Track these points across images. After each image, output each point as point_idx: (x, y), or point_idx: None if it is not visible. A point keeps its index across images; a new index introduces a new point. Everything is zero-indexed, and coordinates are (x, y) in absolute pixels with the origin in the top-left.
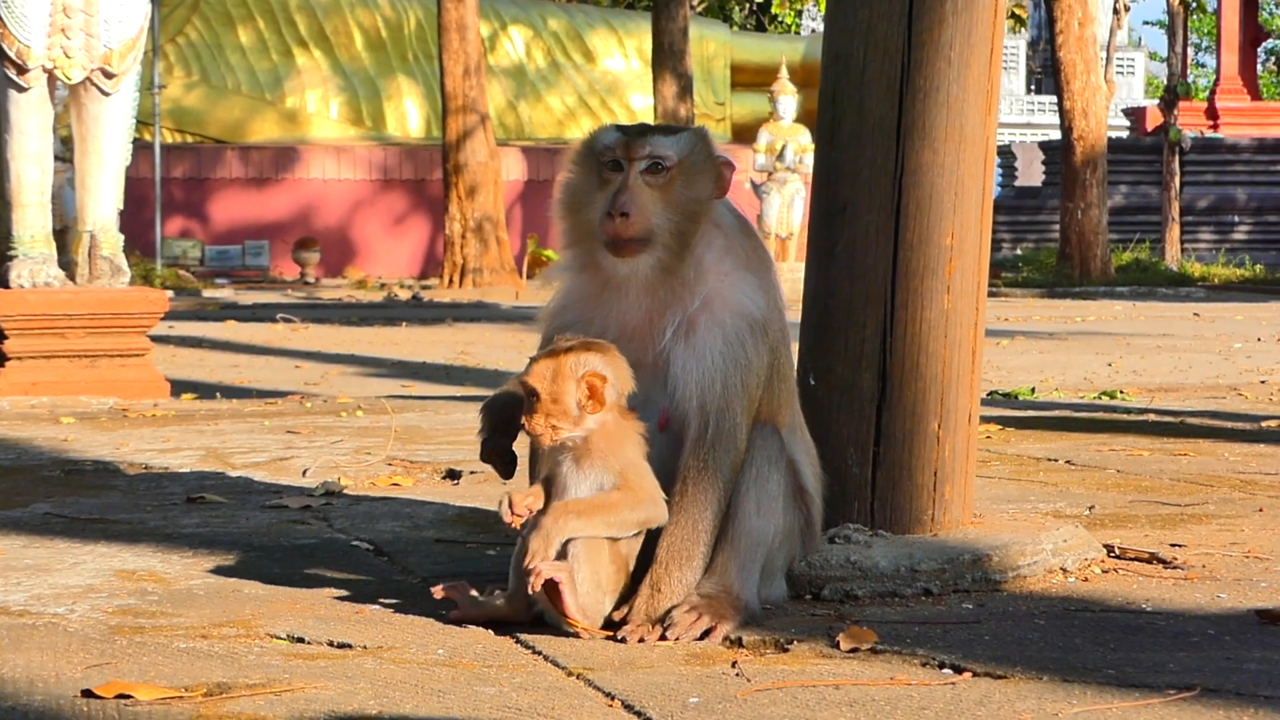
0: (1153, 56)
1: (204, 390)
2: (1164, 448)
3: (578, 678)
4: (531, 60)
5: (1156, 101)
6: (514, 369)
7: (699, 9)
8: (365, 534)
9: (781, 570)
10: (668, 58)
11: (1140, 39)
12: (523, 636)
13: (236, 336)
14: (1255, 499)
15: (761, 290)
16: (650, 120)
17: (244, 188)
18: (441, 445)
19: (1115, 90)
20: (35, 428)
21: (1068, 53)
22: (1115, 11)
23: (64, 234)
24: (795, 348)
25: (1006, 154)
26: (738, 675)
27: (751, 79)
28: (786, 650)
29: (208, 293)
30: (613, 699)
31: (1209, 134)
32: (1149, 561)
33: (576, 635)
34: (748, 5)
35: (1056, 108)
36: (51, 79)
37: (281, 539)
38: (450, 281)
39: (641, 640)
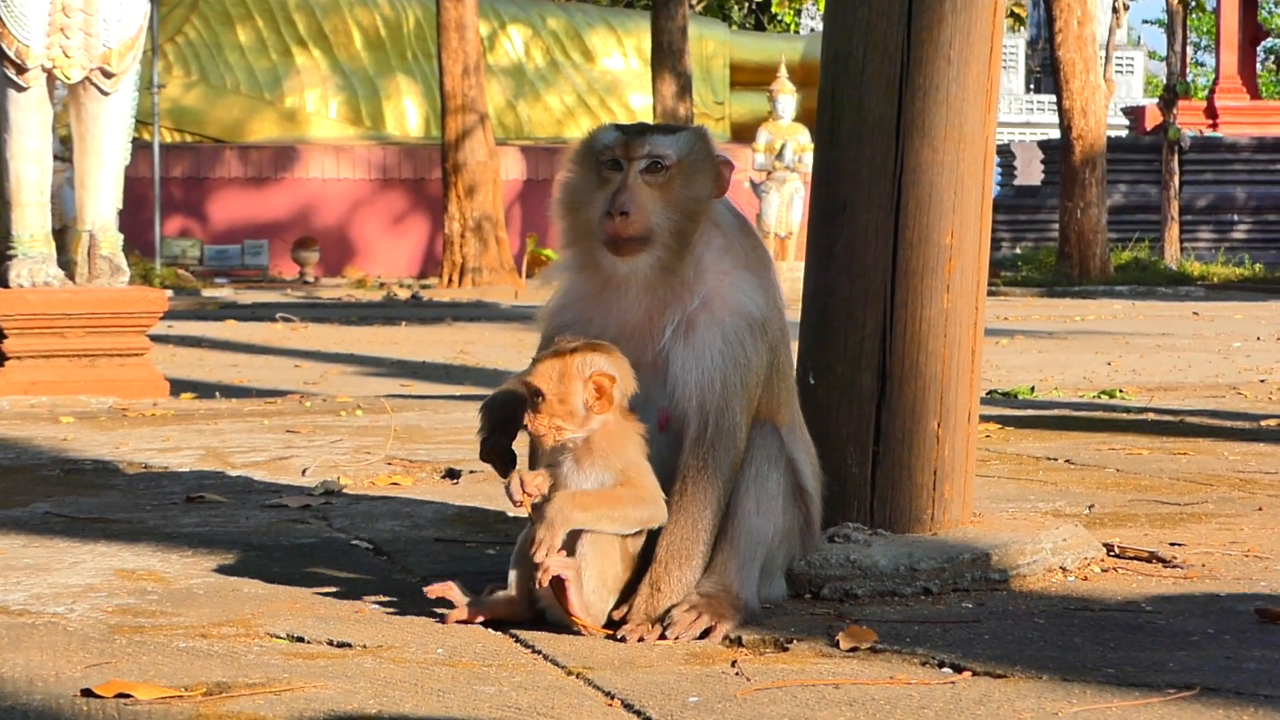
0: (1152, 55)
1: (203, 390)
2: (1163, 447)
3: (577, 677)
4: (530, 59)
5: (1156, 100)
6: (513, 368)
7: (698, 8)
8: (365, 533)
9: (781, 569)
10: (667, 57)
11: (1139, 38)
12: (522, 635)
13: (236, 336)
14: (1255, 498)
15: (761, 289)
16: (649, 119)
17: (243, 187)
18: (441, 444)
19: (1114, 89)
20: (35, 427)
21: (1067, 52)
22: (1114, 10)
23: (63, 233)
24: (795, 347)
25: (1006, 153)
26: (737, 674)
27: (751, 78)
28: (786, 649)
29: (207, 292)
30: (612, 698)
31: (1208, 133)
32: (1148, 560)
33: (578, 632)
34: (747, 4)
35: (1056, 107)
36: (51, 78)
37: (281, 538)
38: (449, 281)
39: (641, 639)
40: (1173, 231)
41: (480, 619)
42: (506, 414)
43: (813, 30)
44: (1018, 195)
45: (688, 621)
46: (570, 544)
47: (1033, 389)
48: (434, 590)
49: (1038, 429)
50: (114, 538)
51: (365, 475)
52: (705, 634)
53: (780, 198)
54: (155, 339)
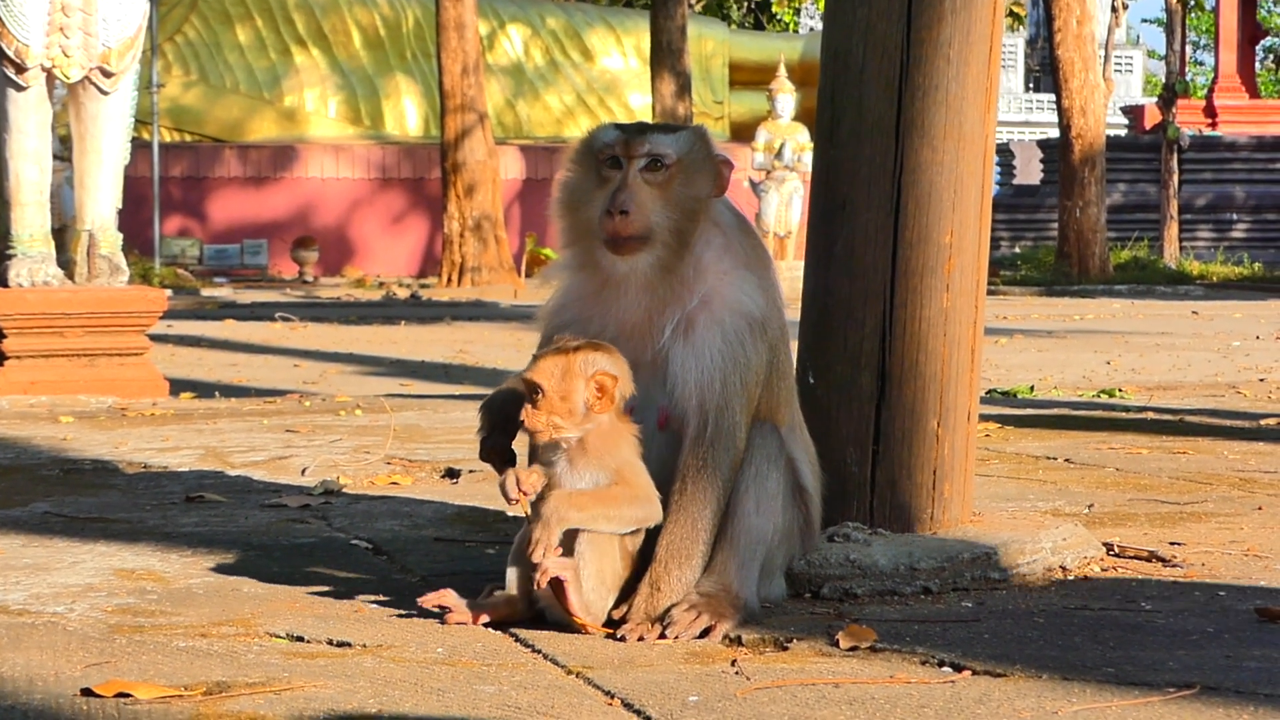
0: (1151, 54)
1: (203, 389)
2: (1163, 446)
3: (577, 676)
4: (530, 59)
5: (1155, 99)
6: (513, 368)
7: (697, 7)
8: (364, 533)
9: (781, 569)
10: (666, 56)
11: (1138, 37)
12: (522, 635)
13: (235, 335)
14: (1254, 497)
15: (761, 289)
16: (649, 119)
17: (242, 186)
18: (440, 444)
19: (1113, 88)
20: (34, 427)
21: (1066, 51)
22: (1113, 9)
23: (63, 233)
24: (794, 346)
25: (1005, 152)
26: (737, 673)
27: (750, 77)
28: (786, 648)
29: (206, 291)
30: (612, 697)
31: (1207, 132)
32: (1148, 560)
33: (578, 632)
34: (746, 4)
35: (1055, 106)
36: (50, 78)
37: (280, 538)
38: (449, 280)
39: (641, 639)
40: (1172, 231)
41: (479, 620)
42: (506, 413)
43: (812, 29)
44: (1017, 194)
45: (687, 621)
46: (568, 543)
47: (1032, 388)
48: (429, 600)
49: (1037, 428)
50: (113, 537)
51: (365, 475)
52: (705, 633)
53: (779, 197)
54: (154, 338)
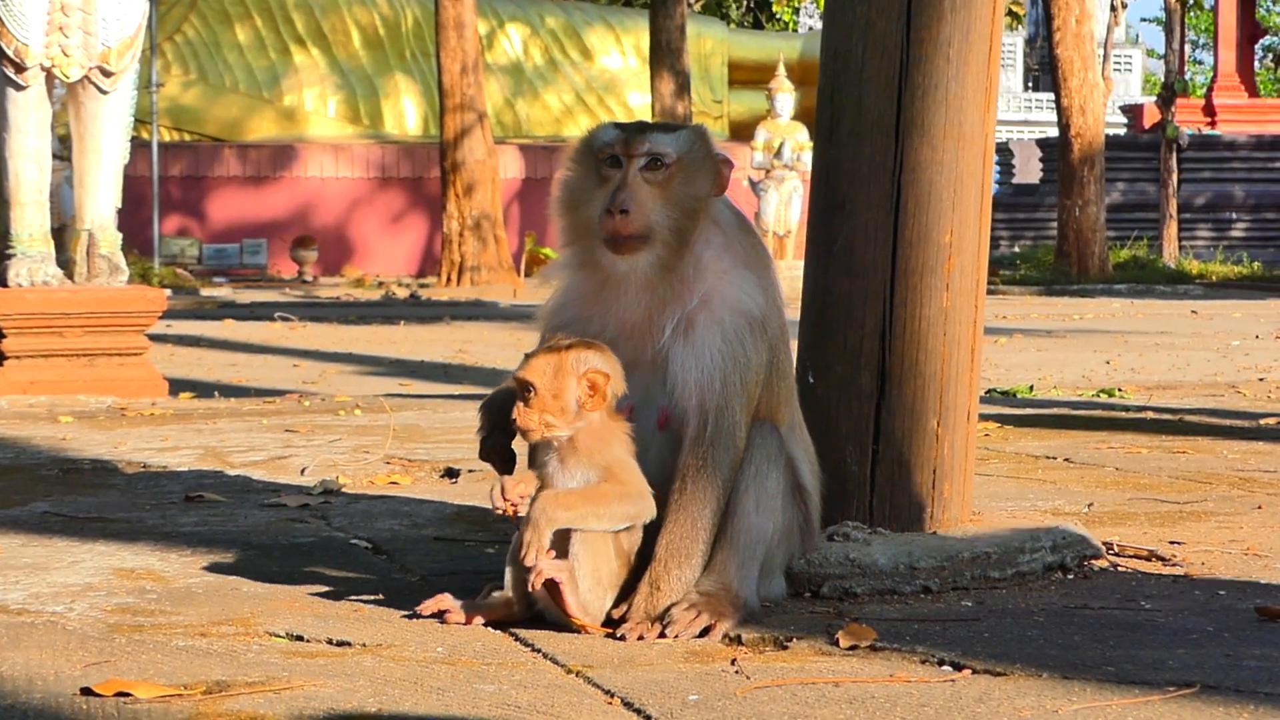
0: (1150, 54)
1: (202, 389)
2: (1162, 445)
3: (577, 675)
4: (529, 58)
5: (1154, 99)
6: (512, 367)
7: (696, 7)
8: (364, 532)
9: (781, 568)
10: (665, 55)
11: (1138, 36)
12: (521, 634)
13: (234, 335)
14: (1254, 496)
15: (760, 288)
16: (648, 118)
17: (242, 186)
18: (440, 444)
19: (1113, 87)
20: (33, 426)
21: (1065, 50)
22: (1112, 8)
23: (62, 232)
24: (794, 345)
25: (1004, 151)
26: (737, 673)
27: (749, 76)
28: (786, 648)
29: (205, 291)
30: (612, 696)
31: (1206, 131)
32: (1148, 559)
33: (577, 632)
34: (745, 3)
35: (1054, 105)
36: (50, 77)
37: (280, 537)
38: (448, 280)
39: (641, 638)
40: (1171, 230)
41: (478, 621)
42: (506, 413)
43: (811, 28)
44: (1016, 193)
45: (687, 620)
46: (562, 544)
47: (1031, 388)
48: (427, 608)
49: (1037, 427)
50: (113, 537)
51: (364, 474)
52: (705, 632)
53: (779, 196)
54: (154, 338)
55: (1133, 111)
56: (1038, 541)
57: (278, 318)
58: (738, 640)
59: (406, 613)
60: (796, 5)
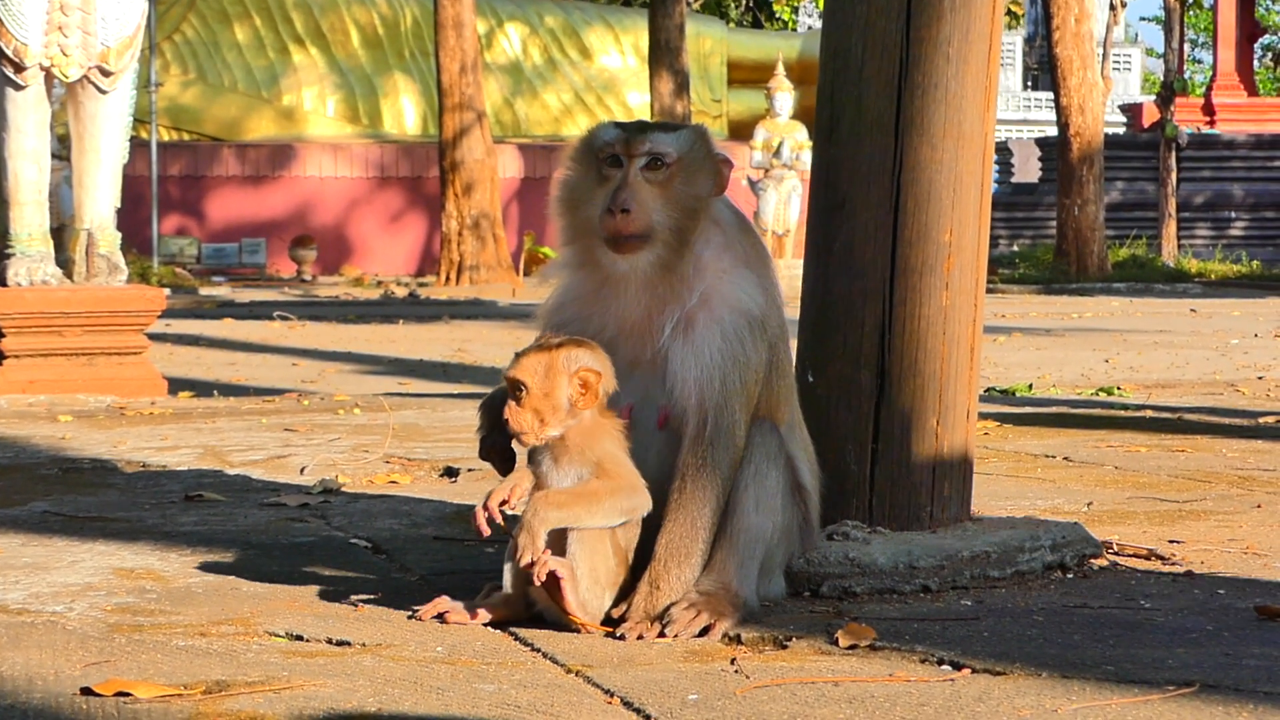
0: (1149, 53)
1: (201, 388)
2: (1162, 444)
3: (577, 675)
4: (528, 57)
5: (1153, 98)
6: None
7: (695, 6)
8: (363, 531)
9: (780, 567)
10: (664, 54)
11: (1137, 35)
12: (521, 634)
13: (233, 334)
14: (1253, 495)
15: (760, 287)
16: (647, 117)
17: (240, 185)
18: (439, 443)
19: (1112, 86)
20: (33, 426)
21: (1064, 49)
22: (1112, 7)
23: (61, 232)
24: (793, 344)
25: (1003, 150)
26: (737, 672)
27: (748, 76)
28: (785, 647)
29: (205, 290)
30: (612, 696)
31: (1205, 130)
32: (1147, 558)
33: (576, 631)
34: (744, 2)
35: (1053, 104)
36: (49, 77)
37: (280, 537)
38: (447, 279)
39: (640, 637)
40: (1170, 229)
41: (478, 620)
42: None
43: (810, 28)
44: (1015, 192)
45: (687, 619)
46: (559, 544)
47: (1031, 386)
48: (426, 613)
49: (1036, 426)
50: (112, 536)
51: (363, 473)
52: (704, 632)
53: (778, 195)
54: (153, 337)
55: (1132, 110)
56: (1037, 541)
57: (277, 317)
58: (737, 640)
59: (406, 612)
60: (796, 4)
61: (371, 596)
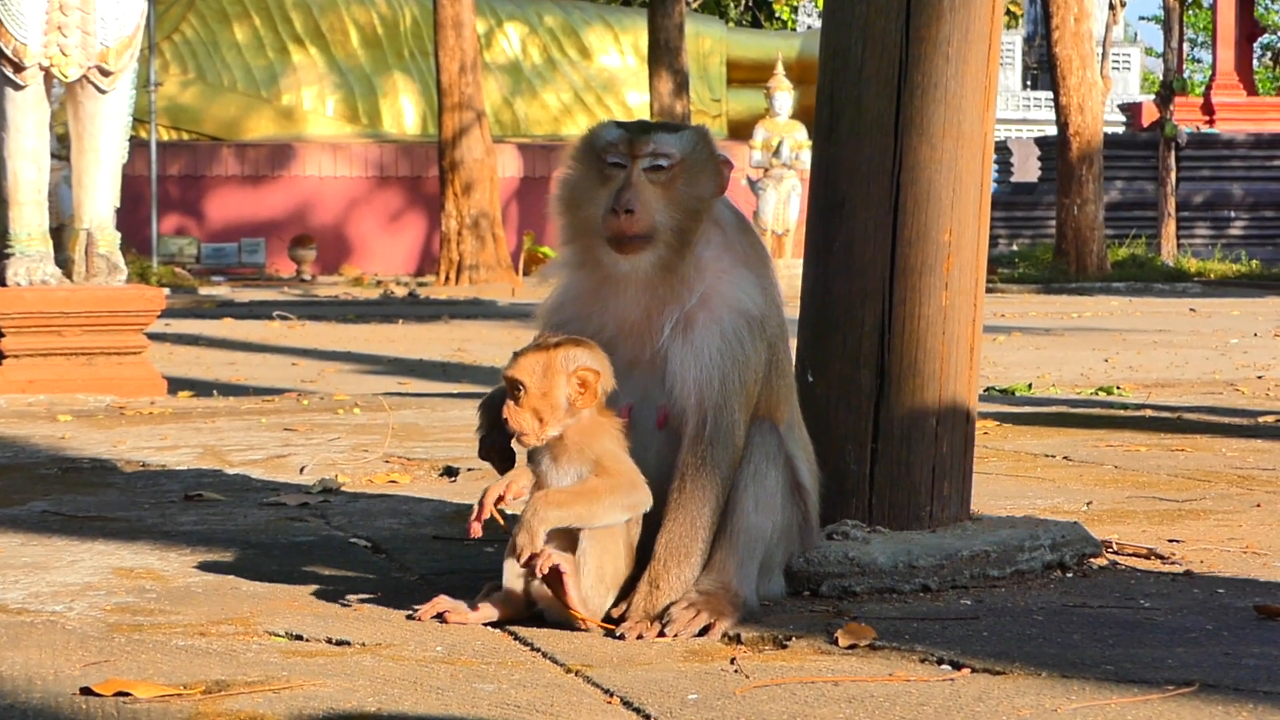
0: (1149, 52)
1: (201, 388)
2: (1161, 443)
3: (576, 674)
4: (527, 57)
5: (1152, 97)
6: None
7: (695, 5)
8: (363, 531)
9: (780, 567)
10: (664, 54)
11: (1136, 34)
12: (521, 633)
13: (233, 334)
14: (1253, 494)
15: (759, 287)
16: (646, 117)
17: (240, 185)
18: (439, 442)
19: (1111, 86)
20: (32, 425)
21: (1064, 48)
22: (1111, 7)
23: (60, 232)
24: (793, 344)
25: (1002, 150)
26: (736, 672)
27: (747, 75)
28: (785, 647)
29: (204, 290)
30: (611, 695)
31: (1205, 129)
32: (1147, 557)
33: (576, 629)
34: (744, 1)
35: (1052, 103)
36: (48, 77)
37: (279, 536)
38: (446, 278)
39: (640, 637)
40: (1169, 228)
41: (478, 619)
42: None
43: (809, 27)
44: (1015, 192)
45: (687, 619)
46: (570, 541)
47: (1030, 386)
48: (424, 614)
49: (1035, 426)
50: (112, 536)
51: (363, 473)
52: (704, 631)
53: (777, 195)
54: (152, 337)
55: (1131, 110)
56: (1037, 540)
57: (276, 316)
58: (737, 639)
59: (406, 612)
60: (795, 4)
61: (371, 596)
